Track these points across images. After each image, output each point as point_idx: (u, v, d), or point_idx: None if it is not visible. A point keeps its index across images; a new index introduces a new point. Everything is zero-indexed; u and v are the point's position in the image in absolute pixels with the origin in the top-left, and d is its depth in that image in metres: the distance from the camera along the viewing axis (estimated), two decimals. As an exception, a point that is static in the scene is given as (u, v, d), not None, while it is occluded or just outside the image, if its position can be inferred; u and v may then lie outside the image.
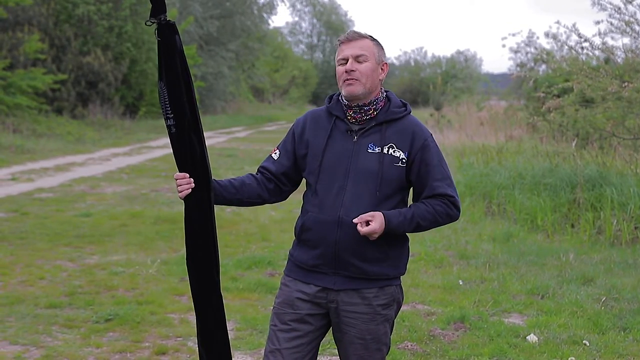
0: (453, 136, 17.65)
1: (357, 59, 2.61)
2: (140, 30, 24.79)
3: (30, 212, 8.85)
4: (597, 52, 9.65)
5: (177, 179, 2.60)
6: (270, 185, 2.77)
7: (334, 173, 2.63)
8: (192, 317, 4.54)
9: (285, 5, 68.80)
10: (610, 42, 11.87)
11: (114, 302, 5.27)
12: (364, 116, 2.65)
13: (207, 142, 2.65)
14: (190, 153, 2.59)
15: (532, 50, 19.99)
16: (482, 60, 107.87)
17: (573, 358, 4.32)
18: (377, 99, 2.66)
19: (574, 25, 9.26)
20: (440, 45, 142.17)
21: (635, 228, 7.74)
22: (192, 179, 2.59)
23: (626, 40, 13.82)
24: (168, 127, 2.58)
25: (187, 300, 5.26)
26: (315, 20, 63.35)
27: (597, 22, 9.13)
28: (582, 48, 9.43)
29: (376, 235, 2.54)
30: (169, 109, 2.55)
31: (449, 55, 68.11)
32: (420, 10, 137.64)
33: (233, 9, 36.82)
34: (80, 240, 7.38)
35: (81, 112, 23.55)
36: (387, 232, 2.56)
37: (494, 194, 9.57)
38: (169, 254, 6.88)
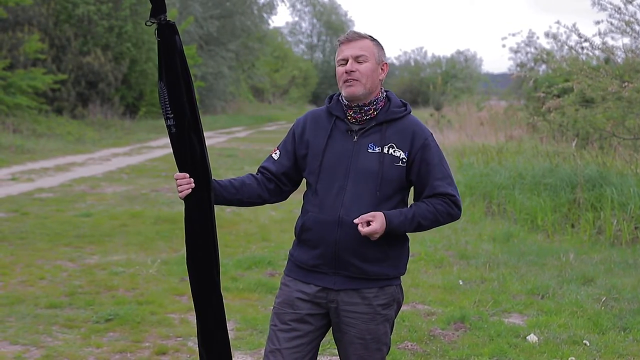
0: (453, 136, 17.66)
1: (357, 59, 2.61)
2: (140, 30, 24.79)
3: (31, 212, 8.85)
4: (597, 52, 9.65)
5: (177, 179, 2.60)
6: (270, 186, 2.77)
7: (334, 173, 2.63)
8: (192, 317, 4.54)
9: (285, 5, 68.89)
10: (610, 42, 11.91)
11: (114, 302, 5.28)
12: (364, 116, 2.65)
13: (207, 142, 2.65)
14: (190, 153, 2.59)
15: (532, 50, 20.00)
16: (482, 60, 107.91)
17: (573, 358, 4.32)
18: (377, 99, 2.66)
19: (574, 25, 9.27)
20: (440, 45, 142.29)
21: (636, 228, 7.74)
22: (192, 179, 2.59)
23: (626, 40, 13.83)
24: (168, 127, 2.58)
25: (187, 300, 5.26)
26: (315, 20, 63.35)
27: (597, 22, 9.13)
28: (582, 48, 9.44)
29: (377, 236, 2.54)
30: (169, 109, 2.55)
31: (449, 55, 68.16)
32: (420, 10, 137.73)
33: (233, 9, 36.82)
34: (81, 240, 7.38)
35: (81, 112, 23.55)
36: (388, 232, 2.56)
37: (494, 194, 9.57)
38: (169, 254, 6.89)
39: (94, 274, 6.10)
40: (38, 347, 4.37)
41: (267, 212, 9.19)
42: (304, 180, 2.79)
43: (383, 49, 2.69)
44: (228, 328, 2.78)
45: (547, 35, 17.32)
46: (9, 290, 5.55)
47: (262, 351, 3.29)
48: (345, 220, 2.58)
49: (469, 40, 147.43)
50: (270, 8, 41.68)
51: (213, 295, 2.68)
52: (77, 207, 9.38)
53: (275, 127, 32.93)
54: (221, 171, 12.94)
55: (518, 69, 20.44)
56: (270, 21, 54.72)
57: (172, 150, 2.60)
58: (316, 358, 2.72)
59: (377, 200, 2.60)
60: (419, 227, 2.63)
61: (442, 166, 2.66)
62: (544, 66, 18.17)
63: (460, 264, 6.70)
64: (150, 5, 2.50)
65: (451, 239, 7.74)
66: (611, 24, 8.95)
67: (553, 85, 10.37)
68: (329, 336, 2.93)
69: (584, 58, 10.09)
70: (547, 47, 23.43)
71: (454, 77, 48.77)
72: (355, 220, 2.53)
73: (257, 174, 2.79)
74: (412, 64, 59.53)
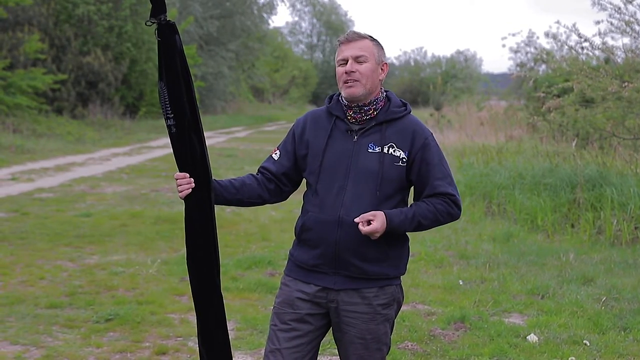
0: (453, 136, 17.66)
1: (357, 59, 2.61)
2: (140, 30, 24.80)
3: (31, 212, 8.85)
4: (597, 52, 9.65)
5: (177, 179, 2.61)
6: (270, 186, 2.77)
7: (334, 173, 2.63)
8: (193, 317, 4.54)
9: (285, 5, 68.83)
10: (610, 42, 11.89)
11: (114, 302, 5.28)
12: (364, 116, 2.65)
13: (207, 142, 2.65)
14: (190, 153, 2.59)
15: (532, 50, 20.00)
16: (482, 60, 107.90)
17: (573, 358, 4.32)
18: (377, 99, 2.66)
19: (574, 25, 9.27)
20: (440, 45, 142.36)
21: (636, 228, 7.74)
22: (192, 179, 2.59)
23: (626, 40, 13.85)
24: (168, 127, 2.58)
25: (188, 300, 5.26)
26: (315, 20, 63.34)
27: (597, 22, 9.14)
28: (582, 48, 9.44)
29: (378, 235, 2.54)
30: (169, 109, 2.55)
31: (449, 55, 68.16)
32: (420, 10, 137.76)
33: (233, 9, 36.81)
34: (81, 240, 7.38)
35: (81, 112, 23.55)
36: (389, 232, 2.56)
37: (494, 194, 9.57)
38: (169, 253, 6.89)
39: (94, 274, 6.10)
40: (38, 347, 4.37)
41: (267, 212, 9.19)
42: (304, 180, 2.79)
43: (383, 49, 2.69)
44: (228, 328, 2.78)
45: (547, 35, 17.30)
46: (9, 290, 5.55)
47: (262, 351, 3.29)
48: (345, 220, 2.58)
49: (469, 40, 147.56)
50: (270, 8, 41.70)
51: (213, 295, 2.68)
52: (77, 207, 9.38)
53: (275, 127, 32.93)
54: (221, 171, 12.94)
55: (518, 69, 20.44)
56: (270, 21, 54.75)
57: (172, 150, 2.60)
58: (316, 358, 2.72)
59: (377, 200, 2.60)
60: (419, 227, 2.63)
61: (442, 166, 2.66)
62: (544, 66, 18.18)
63: (460, 264, 6.70)
64: (150, 5, 2.50)
65: (451, 239, 7.74)
66: (611, 24, 8.96)
67: (553, 85, 10.37)
68: (329, 336, 2.93)
69: (584, 58, 10.09)
70: (547, 47, 23.45)
71: (454, 77, 48.78)
72: (356, 219, 2.53)
73: (258, 174, 2.79)
74: (412, 64, 59.53)
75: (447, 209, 2.65)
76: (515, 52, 21.35)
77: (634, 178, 8.55)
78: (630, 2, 8.83)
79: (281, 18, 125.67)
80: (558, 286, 5.89)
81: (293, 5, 61.97)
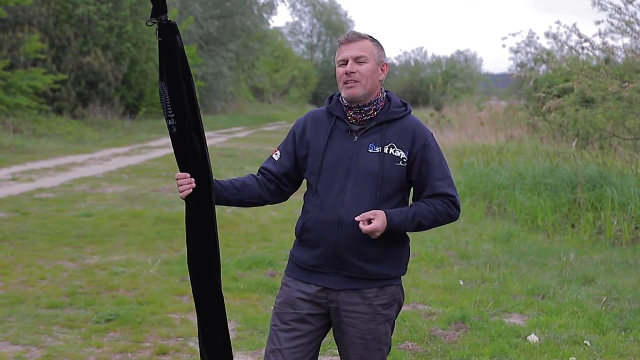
0: (453, 136, 17.66)
1: (357, 60, 2.61)
2: (141, 30, 24.81)
3: (31, 212, 8.85)
4: (597, 52, 9.66)
5: (178, 179, 2.61)
6: (271, 186, 2.77)
7: (334, 173, 2.63)
8: (193, 317, 4.55)
9: (285, 5, 68.85)
10: (610, 42, 11.92)
11: (115, 302, 5.28)
12: (364, 116, 2.65)
13: (208, 142, 2.65)
14: (191, 153, 2.59)
15: (532, 50, 19.99)
16: (482, 60, 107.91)
17: (574, 358, 4.32)
18: (377, 99, 2.66)
19: (574, 25, 9.27)
20: (440, 45, 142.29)
21: (636, 228, 7.74)
22: (193, 179, 2.60)
23: (626, 40, 13.85)
24: (169, 127, 2.58)
25: (188, 300, 5.26)
26: (315, 20, 63.33)
27: (598, 22, 9.14)
28: (583, 48, 9.44)
29: (378, 234, 2.54)
30: (170, 109, 2.55)
31: (449, 55, 68.14)
32: (420, 10, 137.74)
33: (233, 9, 36.81)
34: (81, 241, 7.38)
35: (81, 112, 23.55)
36: (389, 231, 2.56)
37: (495, 194, 9.57)
38: (170, 254, 6.89)
39: (94, 274, 6.10)
40: (38, 347, 4.37)
41: (268, 213, 9.19)
42: (305, 180, 2.79)
43: (383, 49, 2.69)
44: (229, 328, 2.78)
45: (547, 35, 17.35)
46: (9, 290, 5.55)
47: (263, 351, 3.29)
48: (345, 220, 2.58)
49: (469, 40, 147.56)
50: (270, 8, 41.68)
51: (214, 295, 2.68)
52: (78, 207, 9.38)
53: (275, 127, 32.92)
54: (221, 171, 12.94)
55: (518, 69, 20.44)
56: (270, 21, 54.75)
57: (172, 150, 2.61)
58: (317, 358, 2.72)
59: (378, 200, 2.60)
60: (419, 227, 2.63)
61: (442, 167, 2.66)
62: (544, 66, 18.18)
63: (460, 264, 6.70)
64: (150, 5, 2.50)
65: (451, 239, 7.74)
66: (611, 24, 8.96)
67: (553, 85, 10.37)
68: (330, 336, 2.93)
69: (584, 58, 10.09)
70: (547, 47, 23.42)
71: (454, 77, 48.77)
72: (357, 218, 2.53)
73: (258, 175, 2.80)
74: (412, 64, 59.51)
75: (447, 210, 2.65)
76: (516, 52, 21.36)
77: (634, 178, 8.55)
78: (631, 2, 8.83)
79: (281, 18, 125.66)
80: (558, 286, 5.89)
81: (293, 6, 62.02)
